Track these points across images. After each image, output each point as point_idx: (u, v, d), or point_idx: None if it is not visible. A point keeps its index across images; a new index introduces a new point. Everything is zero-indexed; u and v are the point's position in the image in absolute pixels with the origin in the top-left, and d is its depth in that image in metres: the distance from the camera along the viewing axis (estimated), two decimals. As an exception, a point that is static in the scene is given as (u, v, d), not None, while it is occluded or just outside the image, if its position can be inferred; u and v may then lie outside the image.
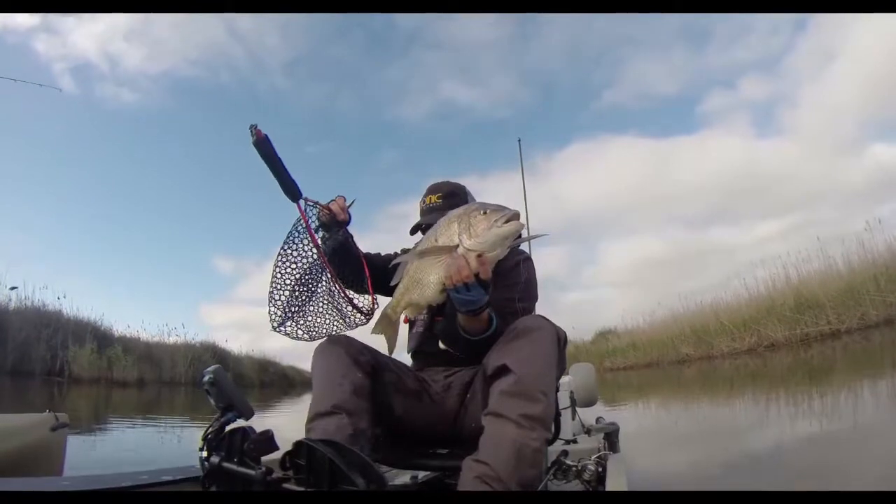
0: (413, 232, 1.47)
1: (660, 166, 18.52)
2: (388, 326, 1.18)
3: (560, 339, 1.11)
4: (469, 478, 0.96)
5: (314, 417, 1.11)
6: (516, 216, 1.00)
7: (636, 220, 19.45)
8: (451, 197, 1.45)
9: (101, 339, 11.53)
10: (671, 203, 19.43)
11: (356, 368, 1.17)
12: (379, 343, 1.24)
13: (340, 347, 1.20)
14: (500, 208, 1.02)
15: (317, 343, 1.24)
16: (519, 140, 3.39)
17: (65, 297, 11.39)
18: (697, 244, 16.34)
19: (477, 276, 1.00)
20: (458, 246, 1.01)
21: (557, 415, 1.28)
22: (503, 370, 1.03)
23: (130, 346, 12.17)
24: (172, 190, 21.29)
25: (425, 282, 1.07)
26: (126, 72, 18.05)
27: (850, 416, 3.04)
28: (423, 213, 1.46)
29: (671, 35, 18.14)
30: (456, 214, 1.06)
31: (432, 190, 1.48)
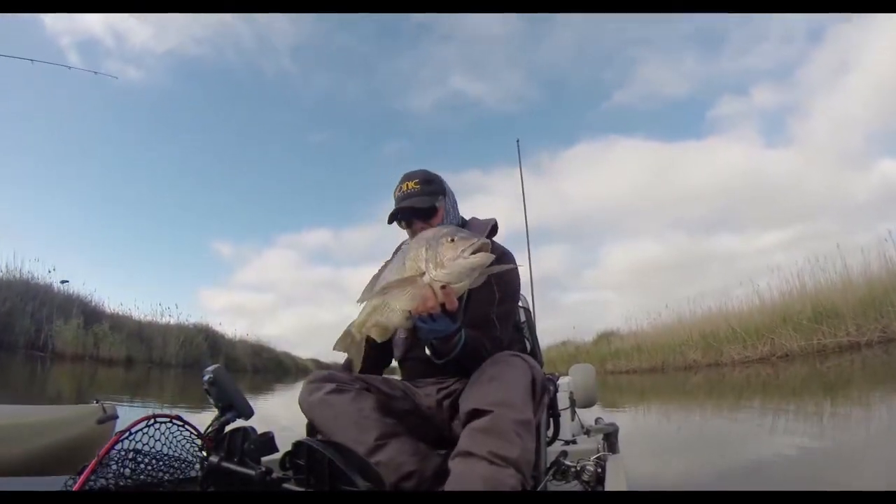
0: (391, 221, 1.45)
1: (666, 170, 18.64)
2: (351, 345, 1.16)
3: (535, 377, 1.10)
4: None
5: (370, 453, 1.11)
6: (485, 247, 0.97)
7: (639, 223, 19.72)
8: (428, 183, 1.44)
9: (89, 314, 11.67)
10: (675, 208, 19.64)
11: (362, 399, 1.19)
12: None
13: (335, 384, 1.22)
14: (468, 237, 0.99)
15: (305, 388, 1.24)
16: (517, 141, 3.40)
17: (54, 269, 11.55)
18: (699, 250, 16.58)
19: (443, 306, 0.98)
20: (423, 274, 0.99)
21: (538, 451, 1.23)
22: (476, 414, 1.02)
23: (120, 324, 12.33)
24: (174, 170, 21.46)
25: (392, 306, 1.05)
26: (132, 49, 18.07)
27: (862, 432, 3.08)
28: (400, 199, 1.44)
29: (684, 38, 18.20)
30: (426, 238, 1.04)
31: (408, 177, 1.46)
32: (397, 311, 1.04)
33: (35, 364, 9.26)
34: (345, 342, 1.16)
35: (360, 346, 1.14)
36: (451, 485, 0.97)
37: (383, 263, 1.15)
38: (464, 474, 0.96)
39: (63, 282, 11.52)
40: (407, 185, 1.43)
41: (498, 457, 0.95)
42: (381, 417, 1.18)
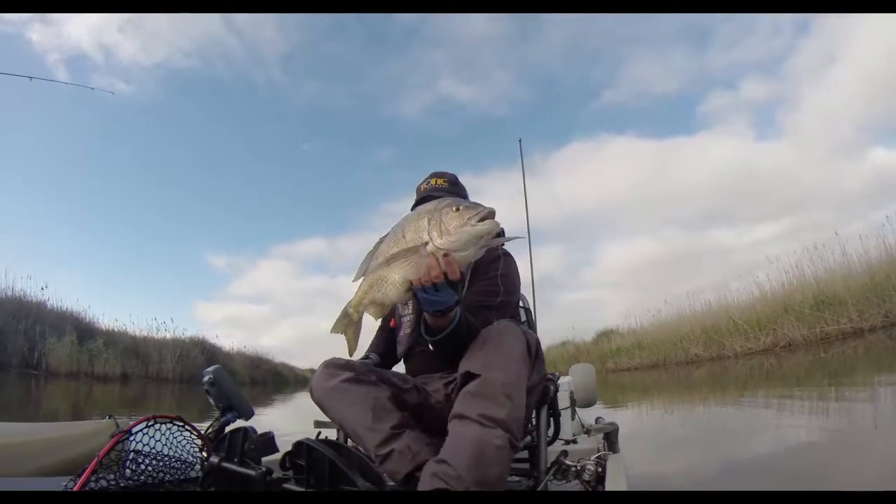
0: (413, 209, 1.49)
1: (659, 167, 18.89)
2: (348, 326, 1.13)
3: (529, 343, 1.13)
4: (427, 475, 0.97)
5: (386, 442, 1.12)
6: (491, 214, 0.98)
7: (634, 220, 20.00)
8: (455, 185, 1.54)
9: (82, 331, 11.62)
10: (669, 204, 19.89)
11: (378, 389, 1.21)
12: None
13: (353, 373, 1.22)
14: (474, 205, 0.99)
15: (321, 373, 1.25)
16: (520, 140, 3.43)
17: (46, 286, 11.55)
18: (694, 246, 16.79)
19: (445, 275, 0.99)
20: (426, 244, 0.99)
21: (539, 449, 1.30)
22: (468, 377, 1.05)
23: (115, 340, 12.29)
24: (166, 183, 21.52)
25: (390, 280, 1.04)
26: (120, 63, 18.23)
27: (868, 419, 3.09)
28: (426, 192, 1.52)
29: (672, 35, 18.53)
30: (426, 210, 1.03)
31: (437, 174, 1.56)
32: (397, 283, 1.03)
33: (29, 382, 9.20)
34: (342, 324, 1.14)
35: (357, 327, 1.13)
36: (446, 447, 1.01)
37: (378, 240, 1.13)
38: (456, 436, 1.00)
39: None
40: (435, 181, 1.54)
41: (486, 418, 0.98)
42: (396, 409, 1.20)
